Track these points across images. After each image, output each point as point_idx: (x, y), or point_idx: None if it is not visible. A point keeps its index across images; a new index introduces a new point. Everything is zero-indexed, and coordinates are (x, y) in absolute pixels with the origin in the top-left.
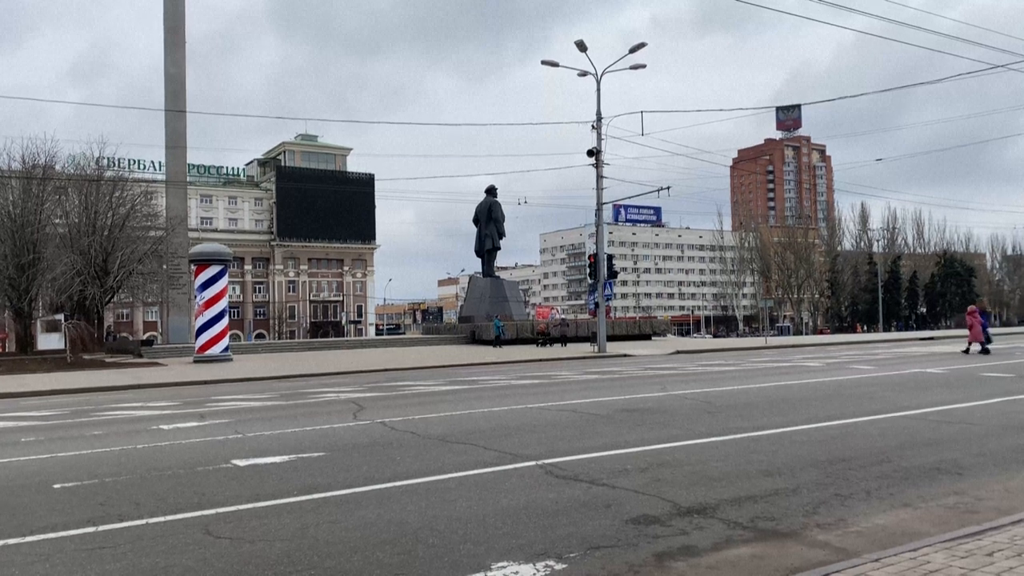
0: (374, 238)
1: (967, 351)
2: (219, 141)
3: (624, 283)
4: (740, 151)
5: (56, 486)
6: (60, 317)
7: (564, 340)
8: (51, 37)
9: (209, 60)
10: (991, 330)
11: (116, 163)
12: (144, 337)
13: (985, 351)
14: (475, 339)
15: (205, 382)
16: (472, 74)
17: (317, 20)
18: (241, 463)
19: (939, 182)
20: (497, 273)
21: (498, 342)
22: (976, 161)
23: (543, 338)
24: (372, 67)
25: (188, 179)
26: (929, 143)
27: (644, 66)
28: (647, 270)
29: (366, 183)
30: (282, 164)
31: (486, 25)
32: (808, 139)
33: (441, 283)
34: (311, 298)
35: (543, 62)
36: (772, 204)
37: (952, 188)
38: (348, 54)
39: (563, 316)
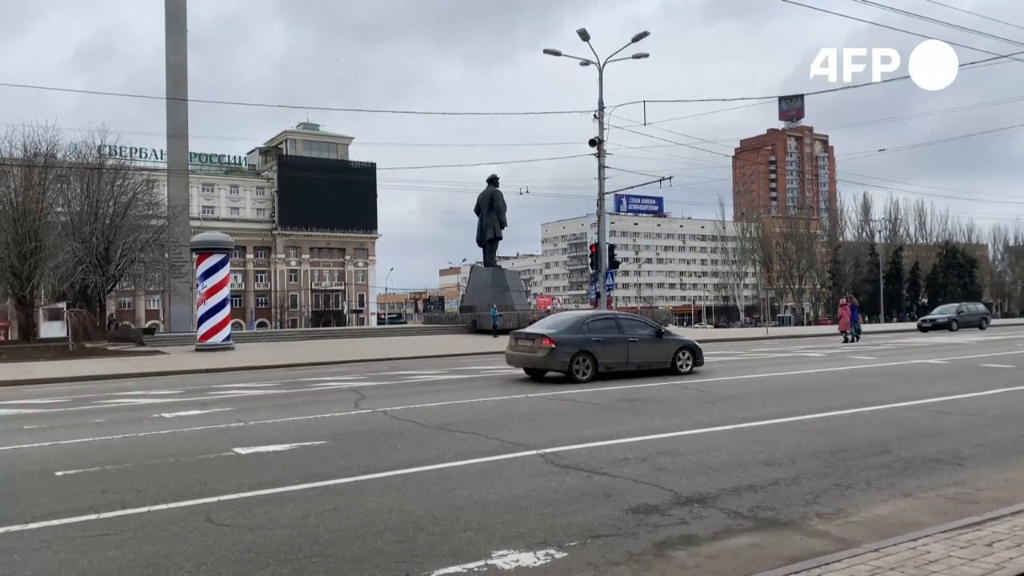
0: (376, 227)
1: (846, 340)
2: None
3: (626, 273)
4: (742, 141)
5: (58, 473)
6: (62, 305)
7: None
8: (55, 24)
9: (213, 47)
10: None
11: (118, 151)
12: (146, 325)
13: (853, 339)
14: (476, 329)
15: (207, 370)
16: (479, 62)
17: (324, 6)
18: (243, 451)
19: (943, 172)
20: (499, 263)
21: (495, 331)
22: (981, 152)
23: None
24: (378, 55)
25: (190, 167)
26: (934, 133)
27: (647, 55)
28: (649, 260)
29: (368, 172)
30: (284, 153)
31: (494, 12)
32: (811, 129)
33: (443, 272)
34: (313, 287)
35: (546, 51)
36: (774, 194)
37: (956, 179)
38: (354, 41)
39: (554, 306)
